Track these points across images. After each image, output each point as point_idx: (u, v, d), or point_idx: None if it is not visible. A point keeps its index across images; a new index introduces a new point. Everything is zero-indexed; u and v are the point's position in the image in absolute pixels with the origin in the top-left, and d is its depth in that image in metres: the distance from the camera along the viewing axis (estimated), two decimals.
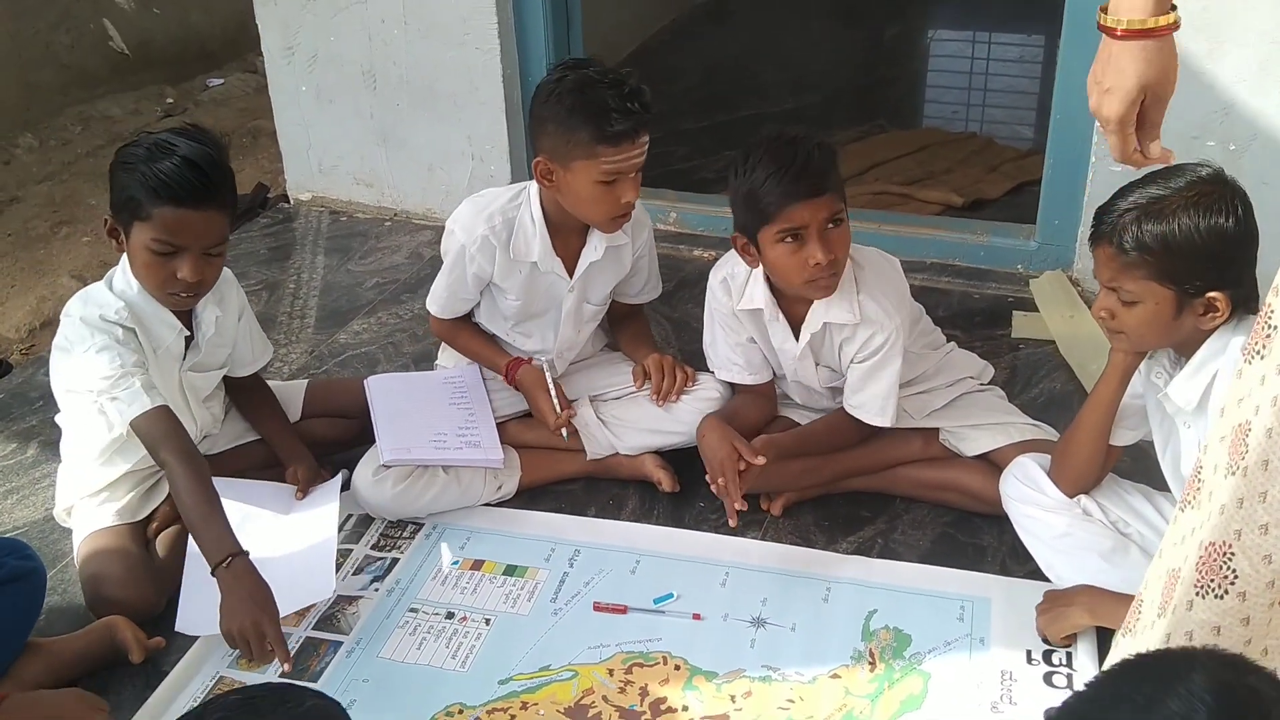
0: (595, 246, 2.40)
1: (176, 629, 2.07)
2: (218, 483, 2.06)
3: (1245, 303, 1.77)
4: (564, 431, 2.41)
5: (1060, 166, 3.08)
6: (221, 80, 5.39)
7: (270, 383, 2.58)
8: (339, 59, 3.59)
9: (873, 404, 2.27)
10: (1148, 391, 1.95)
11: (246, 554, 1.97)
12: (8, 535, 2.26)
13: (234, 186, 2.13)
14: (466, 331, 2.55)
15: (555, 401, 2.41)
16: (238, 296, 2.38)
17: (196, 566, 2.06)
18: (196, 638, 2.06)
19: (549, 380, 2.43)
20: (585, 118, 2.16)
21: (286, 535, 2.26)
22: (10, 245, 3.94)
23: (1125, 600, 1.88)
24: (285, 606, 2.02)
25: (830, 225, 2.11)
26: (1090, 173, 2.98)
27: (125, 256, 2.12)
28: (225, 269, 2.30)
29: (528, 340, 2.53)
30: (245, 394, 2.47)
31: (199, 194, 2.02)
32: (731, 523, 2.25)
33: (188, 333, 2.22)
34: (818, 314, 2.23)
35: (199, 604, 2.06)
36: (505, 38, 3.37)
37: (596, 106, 2.15)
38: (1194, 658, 0.96)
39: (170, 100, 5.13)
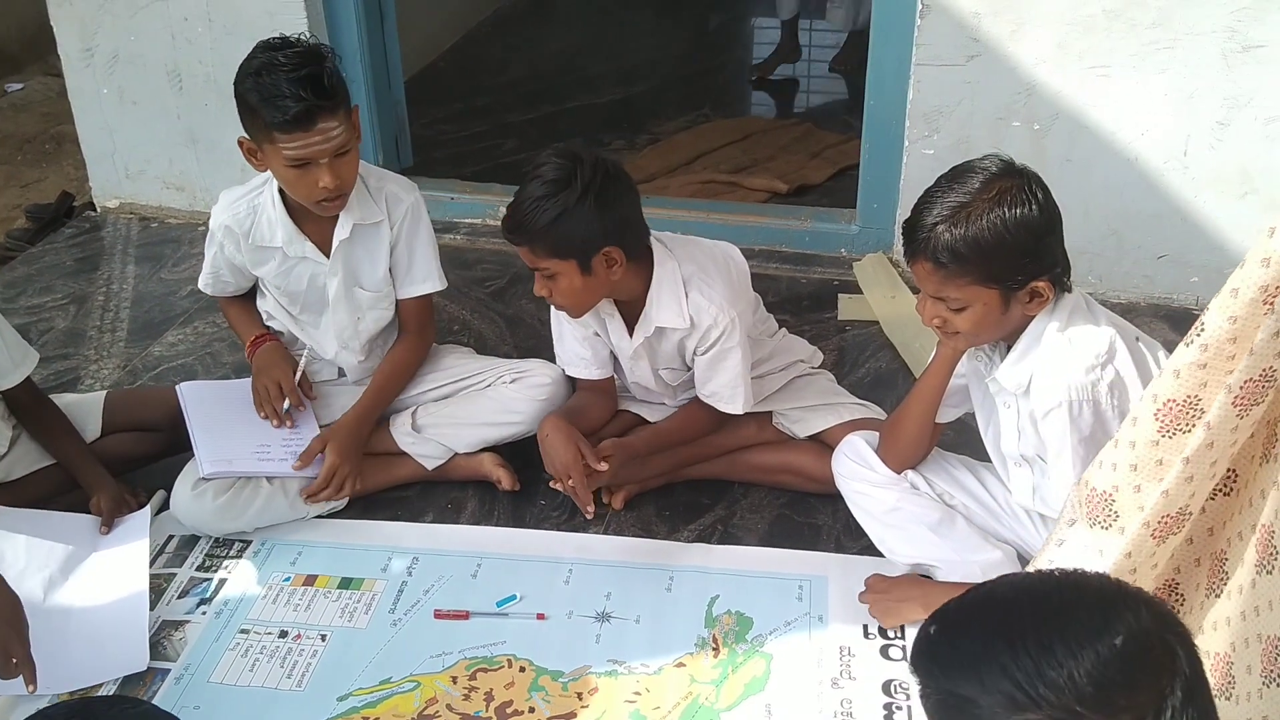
0: (343, 224, 2.32)
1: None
2: (10, 514, 1.93)
3: (1060, 281, 1.84)
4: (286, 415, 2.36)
5: (876, 151, 3.16)
6: (21, 85, 5.09)
7: (65, 396, 2.44)
8: (141, 59, 3.42)
9: (723, 392, 2.27)
10: (970, 373, 2.01)
11: None
12: None
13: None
14: (234, 307, 2.52)
15: (294, 381, 2.37)
16: None
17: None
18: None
19: (300, 366, 2.39)
20: (260, 102, 2.11)
21: (92, 587, 2.13)
22: None
23: (955, 591, 1.96)
24: (92, 677, 1.95)
25: None
26: (905, 156, 3.06)
27: None
28: None
29: (315, 332, 2.44)
30: (26, 412, 2.31)
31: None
32: (588, 515, 2.26)
33: None
34: (649, 317, 2.23)
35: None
36: (316, 32, 3.26)
37: (270, 92, 2.09)
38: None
39: None
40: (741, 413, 2.29)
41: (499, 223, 2.20)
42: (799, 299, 3.07)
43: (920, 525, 2.04)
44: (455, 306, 3.07)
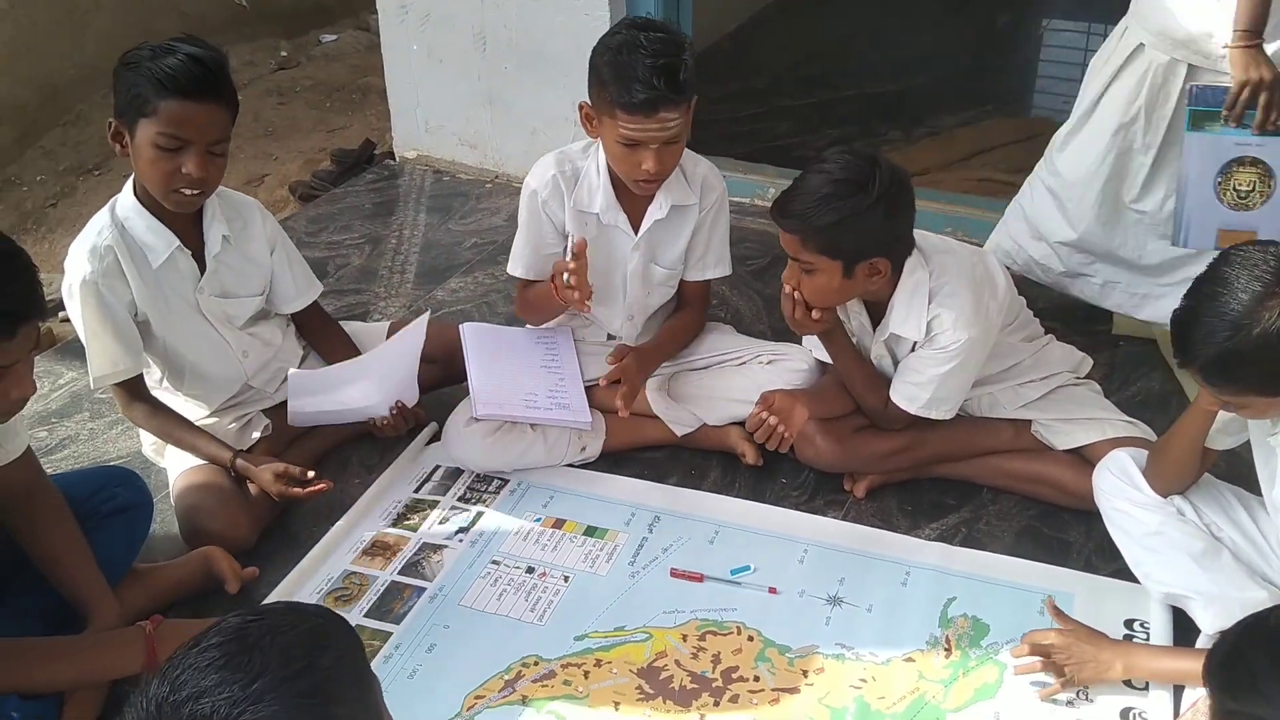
0: (660, 204, 2.39)
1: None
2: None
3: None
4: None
5: None
6: (335, 36, 5.49)
7: (353, 324, 2.63)
8: (451, 20, 3.63)
9: (906, 389, 2.24)
10: (1253, 426, 1.90)
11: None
12: (116, 465, 2.34)
13: (234, 88, 2.13)
14: (535, 287, 2.51)
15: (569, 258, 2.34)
16: (266, 225, 2.37)
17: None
18: (287, 572, 2.14)
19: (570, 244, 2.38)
20: (612, 78, 2.17)
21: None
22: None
23: (1160, 657, 1.87)
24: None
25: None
26: None
27: (132, 176, 2.16)
28: (254, 199, 2.36)
29: (601, 305, 2.51)
30: (314, 334, 2.50)
31: (203, 87, 2.02)
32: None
33: (183, 247, 2.20)
34: (887, 325, 2.22)
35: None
36: (615, 3, 3.38)
37: (625, 71, 2.15)
38: None
39: (284, 54, 5.25)
40: (917, 414, 2.24)
41: (766, 204, 2.22)
42: (1071, 308, 2.96)
43: (1182, 554, 1.94)
44: (715, 282, 3.11)
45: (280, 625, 1.02)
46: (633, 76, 2.13)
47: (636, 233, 2.42)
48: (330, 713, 0.99)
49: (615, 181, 2.38)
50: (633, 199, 2.39)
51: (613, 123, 2.20)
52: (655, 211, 2.39)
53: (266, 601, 2.06)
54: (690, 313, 2.57)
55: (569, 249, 2.37)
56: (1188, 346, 1.69)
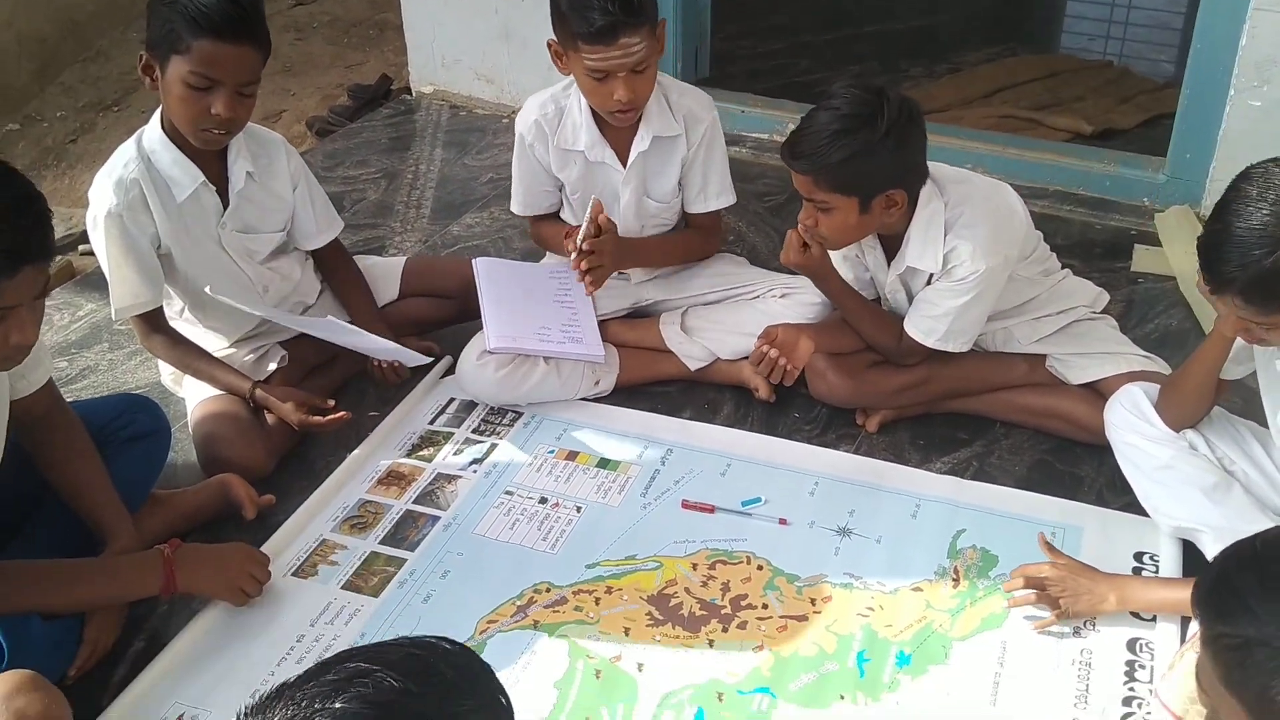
0: (643, 136, 2.38)
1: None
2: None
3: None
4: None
5: (1197, 99, 2.96)
6: None
7: (368, 258, 2.64)
8: None
9: (923, 323, 2.22)
10: (1258, 349, 1.88)
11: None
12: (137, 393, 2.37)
13: (267, 30, 2.12)
14: (548, 224, 2.57)
15: (585, 228, 2.35)
16: (291, 162, 2.37)
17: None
18: (303, 500, 2.17)
19: (588, 211, 2.38)
20: (569, 9, 2.17)
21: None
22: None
23: (1155, 588, 1.86)
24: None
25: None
26: (1228, 106, 2.85)
27: (161, 107, 2.16)
28: (279, 136, 2.36)
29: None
30: (331, 270, 2.50)
31: (238, 27, 2.01)
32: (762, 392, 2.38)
33: (208, 183, 2.20)
34: (904, 257, 2.20)
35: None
36: None
37: (580, 1, 2.14)
38: None
39: None
40: (934, 348, 2.23)
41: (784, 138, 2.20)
42: (1091, 245, 2.94)
43: (1193, 487, 1.94)
44: (733, 218, 3.11)
45: (437, 715, 0.87)
46: (588, 5, 2.14)
47: (625, 166, 2.41)
48: None
49: (598, 117, 2.37)
50: (617, 133, 2.38)
51: (578, 56, 2.20)
52: (638, 144, 2.39)
53: (281, 530, 2.09)
54: (695, 234, 2.56)
55: (586, 213, 2.36)
56: (1222, 269, 1.64)
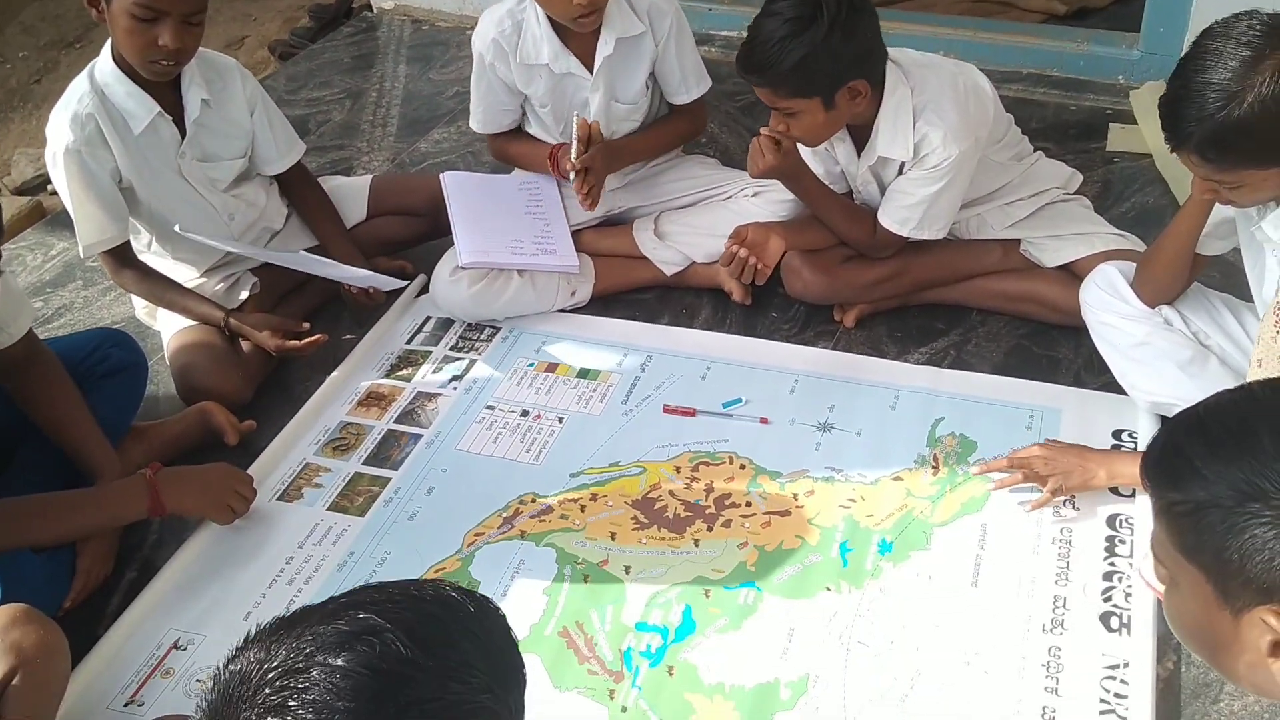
0: (606, 40, 2.33)
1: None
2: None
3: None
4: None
5: None
6: None
7: (333, 179, 2.61)
8: None
9: (897, 213, 2.21)
10: (1238, 216, 1.88)
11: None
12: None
13: None
14: (515, 142, 2.53)
15: (575, 148, 2.33)
16: (247, 86, 2.32)
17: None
18: (284, 425, 2.17)
19: (573, 129, 2.35)
20: None
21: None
22: None
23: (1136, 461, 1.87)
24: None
25: None
26: None
27: (110, 41, 2.12)
28: (233, 61, 2.32)
29: (568, 137, 2.46)
30: (296, 194, 2.46)
31: None
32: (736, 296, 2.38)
33: (164, 113, 2.17)
34: (874, 147, 2.18)
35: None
36: None
37: None
38: None
39: None
40: (909, 237, 2.22)
41: None
42: (1065, 126, 2.90)
43: (1169, 362, 1.95)
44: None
45: (440, 696, 0.81)
46: None
47: (592, 74, 2.37)
48: None
49: (557, 27, 2.32)
50: (580, 40, 2.33)
51: None
52: (603, 48, 2.34)
53: (263, 458, 2.10)
54: (681, 118, 2.52)
55: (572, 129, 2.32)
56: (1180, 124, 1.64)
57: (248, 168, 2.37)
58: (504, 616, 0.90)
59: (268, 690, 0.78)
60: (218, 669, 0.82)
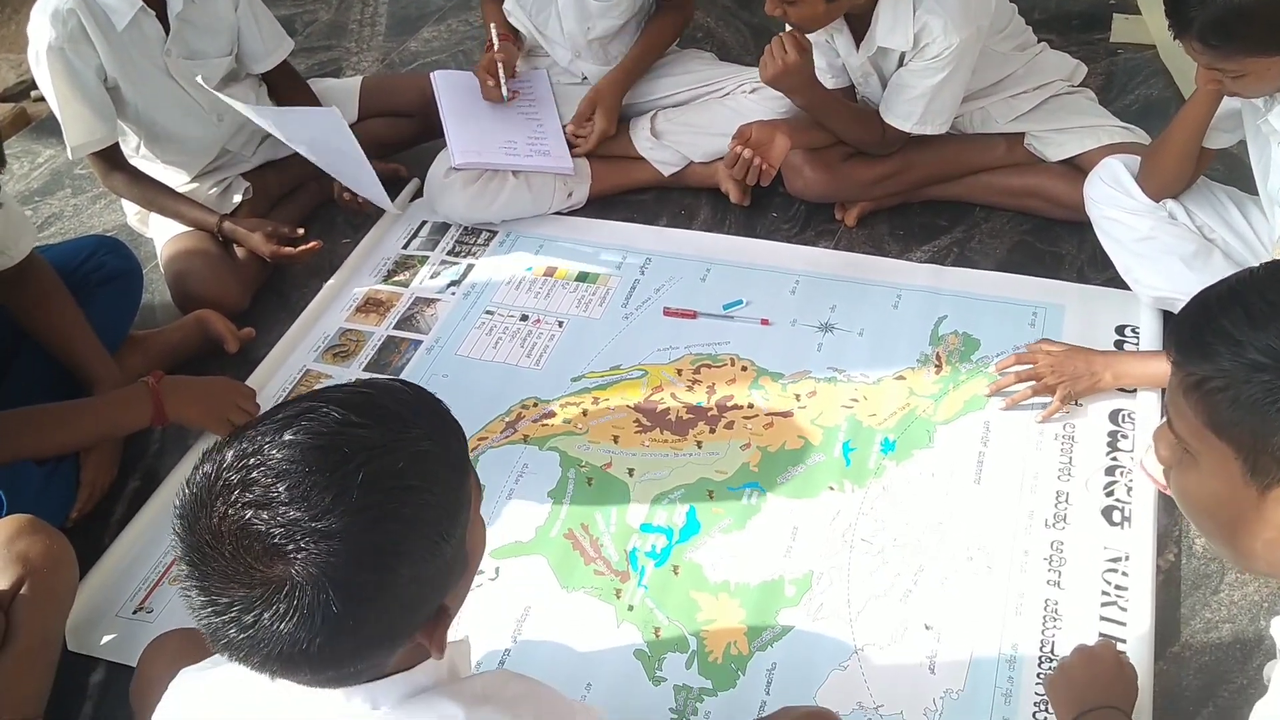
0: None
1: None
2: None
3: None
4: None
5: None
6: None
7: (323, 81, 2.55)
8: None
9: (900, 107, 2.17)
10: (1244, 109, 1.84)
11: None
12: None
13: None
14: (491, 4, 2.50)
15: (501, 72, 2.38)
16: None
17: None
18: (283, 332, 2.16)
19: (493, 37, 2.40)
20: None
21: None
22: None
23: (1147, 360, 1.86)
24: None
25: None
26: None
27: None
28: None
29: (546, 32, 2.46)
30: (283, 96, 2.40)
31: None
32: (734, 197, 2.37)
33: (146, 8, 2.10)
34: (873, 37, 2.12)
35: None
36: None
37: None
38: None
39: None
40: (913, 132, 2.18)
41: None
42: (1068, 17, 2.84)
43: (1173, 256, 1.93)
44: (700, 13, 3.00)
45: (382, 443, 0.87)
46: None
47: None
48: (394, 575, 0.86)
49: None
50: None
51: None
52: None
53: (270, 365, 2.09)
54: (666, 16, 2.47)
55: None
56: (1182, 9, 1.63)
57: (235, 68, 2.31)
58: (425, 390, 0.98)
59: (234, 476, 0.85)
60: (185, 480, 0.88)
